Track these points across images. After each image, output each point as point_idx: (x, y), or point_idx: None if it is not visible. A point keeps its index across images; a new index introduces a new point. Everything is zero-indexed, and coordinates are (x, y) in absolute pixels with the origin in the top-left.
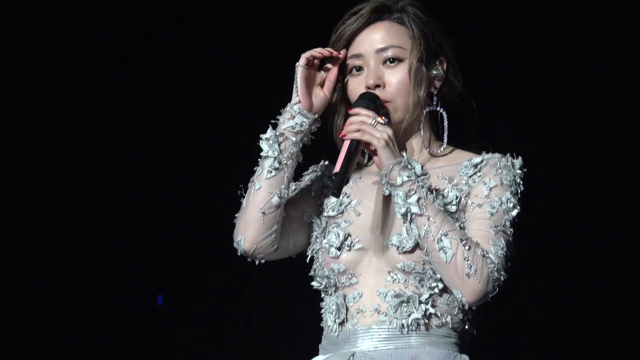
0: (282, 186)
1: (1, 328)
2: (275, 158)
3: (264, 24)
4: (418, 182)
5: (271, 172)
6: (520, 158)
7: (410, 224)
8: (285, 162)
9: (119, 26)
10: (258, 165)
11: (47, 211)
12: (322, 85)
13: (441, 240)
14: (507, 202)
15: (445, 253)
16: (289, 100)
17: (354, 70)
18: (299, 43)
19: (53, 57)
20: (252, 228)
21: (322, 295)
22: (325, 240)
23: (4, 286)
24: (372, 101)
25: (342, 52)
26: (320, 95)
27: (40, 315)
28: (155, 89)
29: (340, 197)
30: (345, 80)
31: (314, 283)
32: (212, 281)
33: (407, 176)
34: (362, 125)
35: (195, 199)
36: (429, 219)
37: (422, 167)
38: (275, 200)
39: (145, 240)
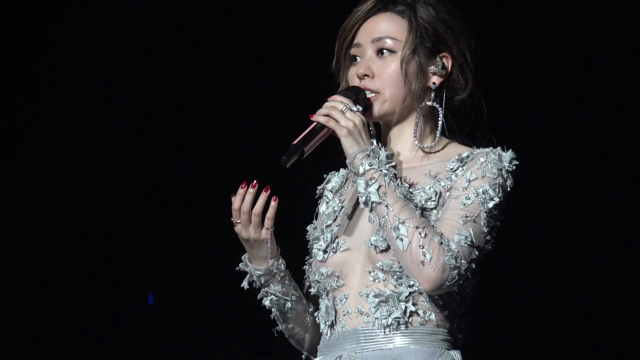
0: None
1: None
2: (276, 308)
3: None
4: (381, 170)
5: (280, 317)
6: (510, 151)
7: (371, 212)
8: (284, 306)
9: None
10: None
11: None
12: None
13: (398, 228)
14: (483, 194)
15: (402, 241)
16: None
17: (354, 59)
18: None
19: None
20: (305, 343)
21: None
22: (316, 246)
23: None
24: (355, 92)
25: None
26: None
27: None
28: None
29: (336, 203)
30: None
31: (310, 290)
32: (207, 281)
33: (369, 164)
34: (331, 110)
35: (186, 197)
36: (387, 206)
37: (391, 155)
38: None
39: (136, 239)
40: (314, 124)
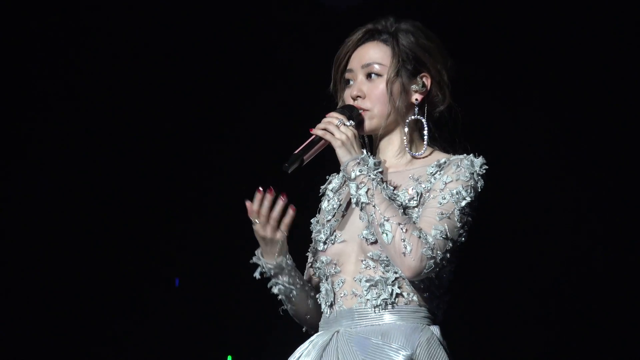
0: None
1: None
2: (284, 295)
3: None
4: (369, 175)
5: (286, 300)
6: (481, 157)
7: (361, 211)
8: (290, 293)
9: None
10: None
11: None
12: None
13: (383, 224)
14: (457, 194)
15: (387, 235)
16: None
17: (347, 82)
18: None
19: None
20: (306, 321)
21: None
22: (317, 238)
23: (17, 269)
24: (349, 110)
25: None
26: (277, 238)
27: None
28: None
29: (335, 202)
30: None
31: (312, 274)
32: (208, 281)
33: (360, 170)
34: (327, 124)
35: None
36: (374, 206)
37: (378, 162)
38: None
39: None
40: (313, 136)
